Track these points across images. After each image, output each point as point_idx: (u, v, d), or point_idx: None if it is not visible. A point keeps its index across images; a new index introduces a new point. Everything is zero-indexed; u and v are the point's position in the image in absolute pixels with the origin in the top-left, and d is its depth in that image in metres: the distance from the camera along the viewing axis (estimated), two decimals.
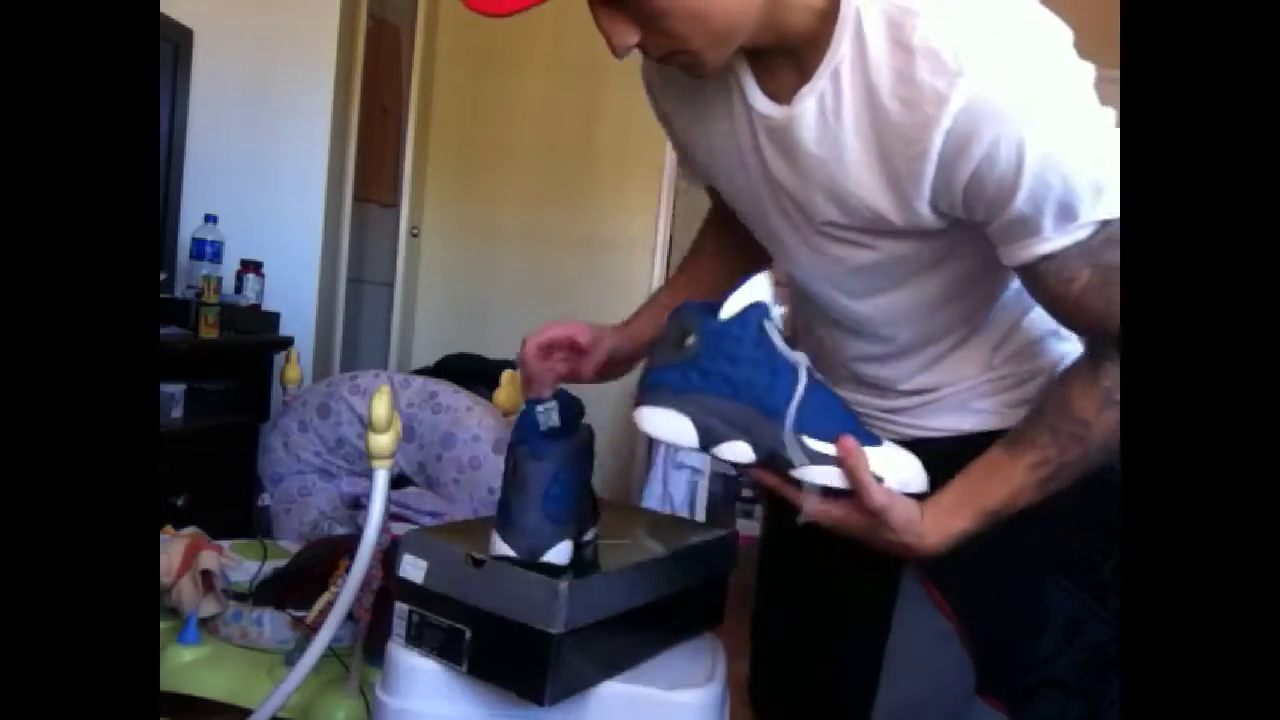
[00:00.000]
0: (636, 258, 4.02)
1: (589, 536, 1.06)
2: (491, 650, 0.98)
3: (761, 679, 1.23)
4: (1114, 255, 0.77)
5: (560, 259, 4.06)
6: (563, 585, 0.94)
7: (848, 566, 0.97)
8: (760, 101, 0.87)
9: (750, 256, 1.07)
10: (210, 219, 2.67)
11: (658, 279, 3.97)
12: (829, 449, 0.83)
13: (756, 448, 0.84)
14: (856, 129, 0.80)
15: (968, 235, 0.84)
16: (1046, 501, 0.90)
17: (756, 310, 0.83)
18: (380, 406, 1.21)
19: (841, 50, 0.79)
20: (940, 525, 0.85)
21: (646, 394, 0.85)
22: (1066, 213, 0.77)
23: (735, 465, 0.86)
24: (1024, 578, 1.03)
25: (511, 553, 0.95)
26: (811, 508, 0.86)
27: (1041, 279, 0.81)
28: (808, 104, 0.82)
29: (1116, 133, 0.77)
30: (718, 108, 0.91)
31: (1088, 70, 0.77)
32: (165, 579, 1.42)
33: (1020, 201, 0.76)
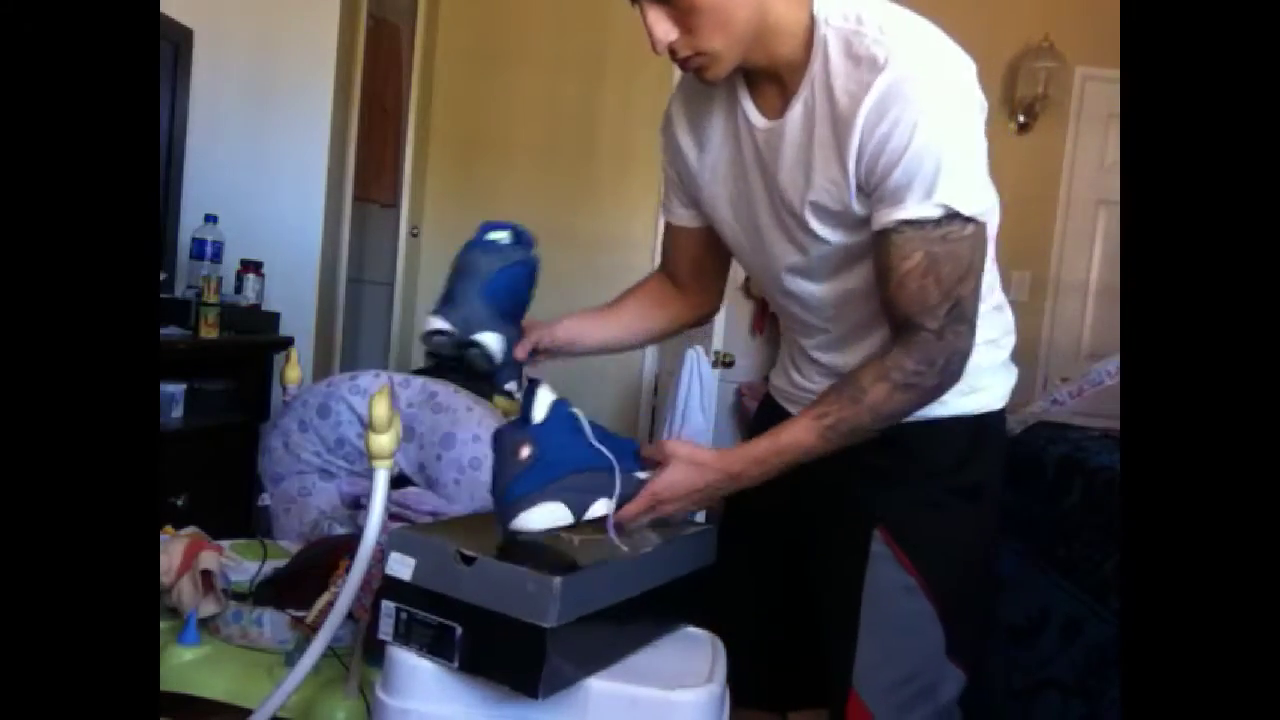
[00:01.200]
0: (636, 257, 4.02)
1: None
2: (483, 646, 0.98)
3: (726, 621, 1.28)
4: (942, 249, 1.00)
5: (560, 258, 4.05)
6: (556, 579, 0.94)
7: (818, 539, 1.21)
8: (756, 118, 1.10)
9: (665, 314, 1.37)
10: (210, 219, 2.67)
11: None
12: (645, 473, 1.08)
13: (610, 496, 1.05)
14: (825, 125, 1.03)
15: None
16: (988, 478, 1.20)
17: (560, 404, 1.05)
18: (380, 406, 1.21)
19: (814, 69, 1.03)
20: (739, 454, 1.08)
21: (516, 504, 1.01)
22: (927, 190, 0.98)
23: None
24: (970, 540, 1.20)
25: (447, 325, 1.18)
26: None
27: (886, 249, 1.02)
28: (794, 113, 1.05)
29: (984, 159, 1.02)
30: (724, 131, 1.15)
31: (980, 101, 1.02)
32: (165, 579, 1.42)
33: (900, 170, 0.98)
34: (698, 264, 1.32)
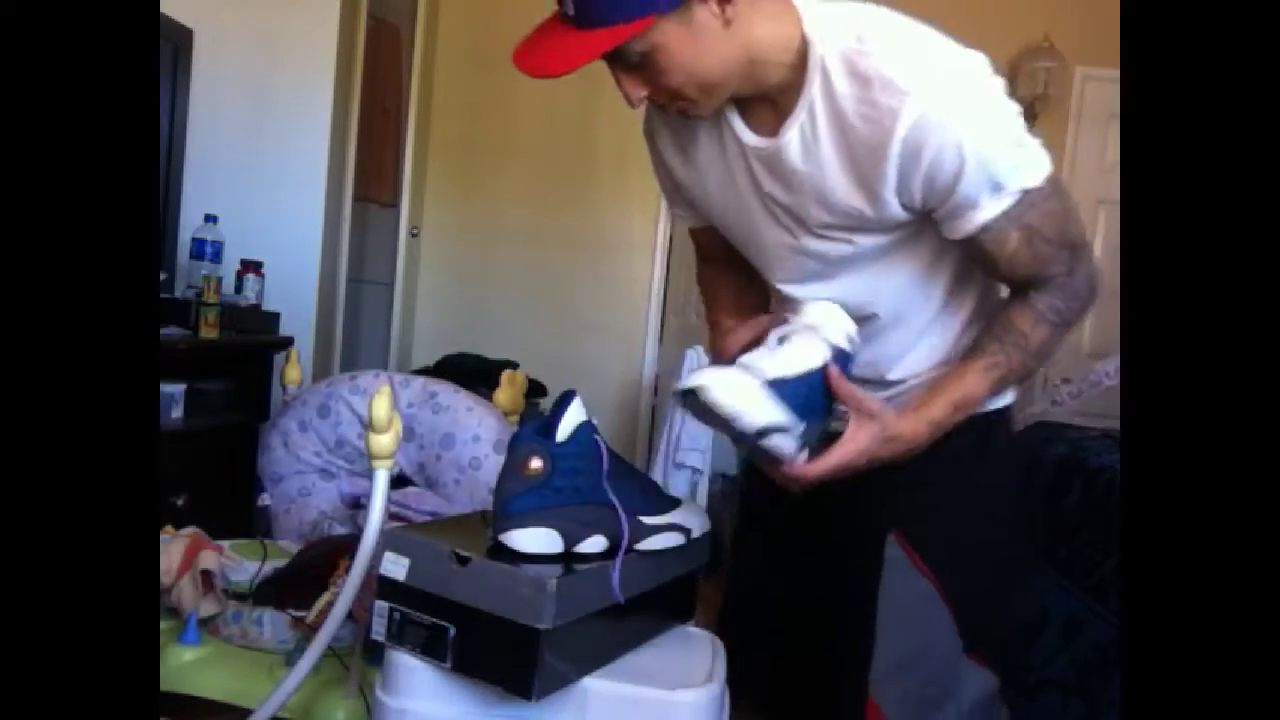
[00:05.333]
0: (636, 258, 4.02)
1: None
2: (477, 646, 0.98)
3: (750, 665, 1.25)
4: (1034, 217, 1.01)
5: (560, 259, 4.06)
6: (551, 581, 0.95)
7: (831, 549, 1.20)
8: (750, 137, 1.08)
9: (747, 278, 1.26)
10: (210, 219, 2.67)
11: (658, 279, 3.97)
12: (660, 520, 1.08)
13: (609, 536, 1.03)
14: (832, 146, 1.02)
15: (923, 229, 1.06)
16: (1001, 476, 1.21)
17: (586, 427, 1.03)
18: (380, 406, 1.21)
19: (813, 90, 1.01)
20: (920, 417, 1.06)
21: (512, 519, 1.00)
22: (995, 188, 0.99)
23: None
24: (985, 540, 1.19)
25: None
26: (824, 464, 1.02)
27: (982, 247, 1.04)
28: (792, 134, 1.04)
29: (1022, 127, 1.00)
30: (711, 149, 1.13)
31: (999, 81, 0.99)
32: (165, 579, 1.42)
33: (962, 187, 0.98)
34: (732, 249, 1.25)
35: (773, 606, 1.30)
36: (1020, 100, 3.33)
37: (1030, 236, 1.02)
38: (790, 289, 1.16)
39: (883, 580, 1.14)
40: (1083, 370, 2.04)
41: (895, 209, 1.02)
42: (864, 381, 1.11)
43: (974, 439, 1.14)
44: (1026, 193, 1.00)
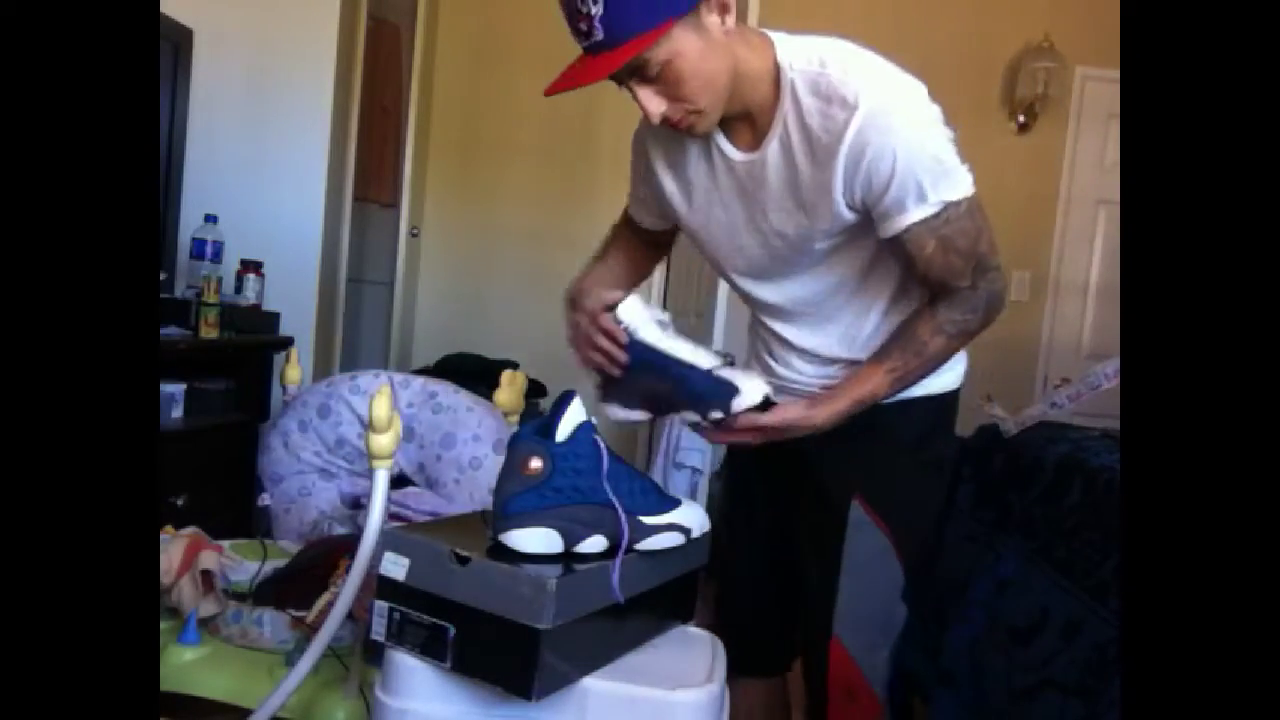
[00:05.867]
0: None
1: None
2: (476, 646, 0.98)
3: (731, 601, 1.53)
4: (950, 229, 1.18)
5: (560, 259, 4.04)
6: (551, 580, 0.95)
7: (803, 516, 1.40)
8: (732, 151, 1.25)
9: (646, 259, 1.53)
10: (210, 219, 2.67)
11: (658, 279, 3.97)
12: (659, 520, 1.11)
13: (609, 536, 1.05)
14: (804, 156, 1.18)
15: (861, 236, 1.24)
16: (947, 449, 1.47)
17: (586, 427, 1.05)
18: (380, 406, 1.21)
19: (785, 107, 1.18)
20: (828, 408, 1.24)
21: (511, 519, 1.02)
22: (920, 196, 1.15)
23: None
24: (931, 505, 1.45)
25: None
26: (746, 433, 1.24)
27: (904, 247, 1.20)
28: (772, 148, 1.20)
29: (953, 147, 1.17)
30: (701, 165, 1.29)
31: (936, 108, 1.16)
32: (165, 579, 1.42)
33: (893, 190, 1.15)
34: (664, 239, 1.50)
35: (749, 574, 1.50)
36: (1020, 100, 3.34)
37: (944, 246, 1.19)
38: (746, 284, 1.35)
39: (847, 537, 1.34)
40: (1081, 371, 2.04)
41: (843, 208, 1.19)
42: (815, 356, 1.35)
43: (929, 418, 1.36)
44: (947, 206, 1.17)
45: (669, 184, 1.34)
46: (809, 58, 1.17)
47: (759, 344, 1.44)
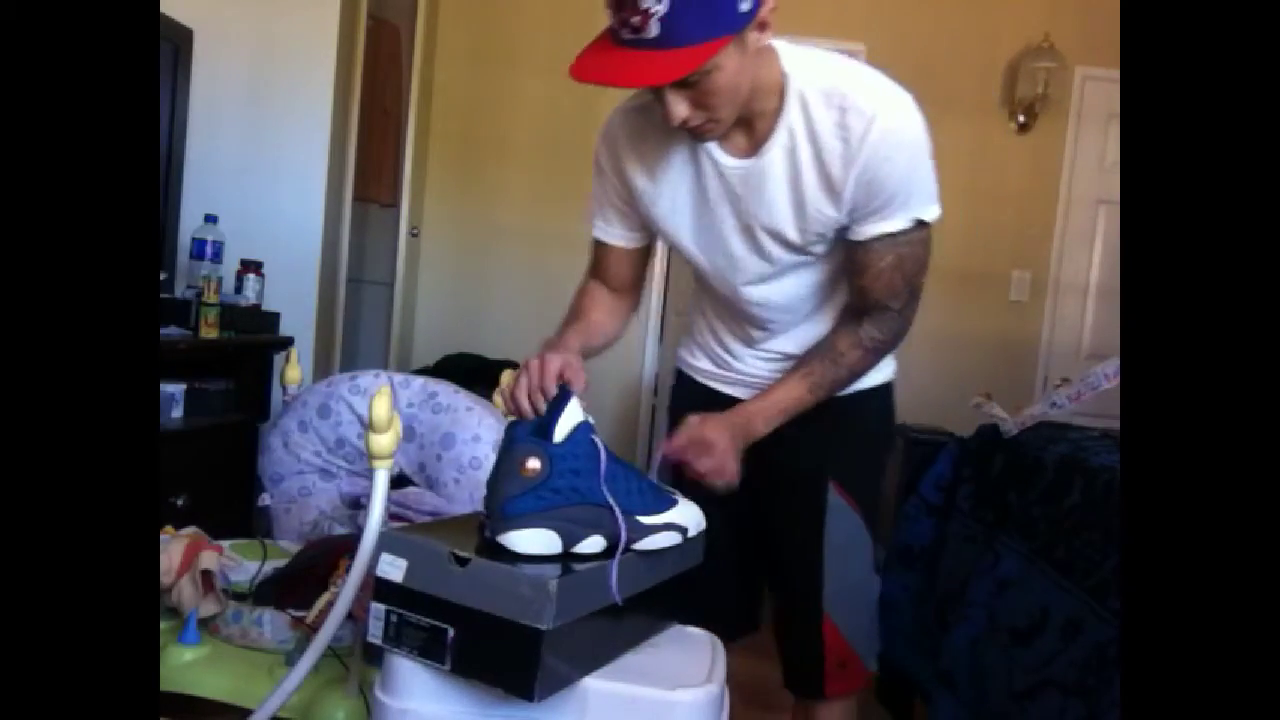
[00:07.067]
0: None
1: None
2: (476, 648, 0.98)
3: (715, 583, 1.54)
4: (908, 251, 1.28)
5: (560, 259, 4.05)
6: (552, 581, 0.94)
7: (777, 501, 1.49)
8: (723, 157, 1.27)
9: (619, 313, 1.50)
10: (210, 219, 2.67)
11: (656, 278, 3.97)
12: (657, 519, 1.11)
13: (607, 536, 1.05)
14: (810, 162, 1.23)
15: (832, 250, 1.32)
16: (889, 428, 1.55)
17: (584, 427, 1.04)
18: (380, 406, 1.21)
19: (791, 116, 1.22)
20: (760, 419, 1.34)
21: (510, 521, 1.01)
22: (904, 206, 1.24)
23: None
24: (880, 470, 1.55)
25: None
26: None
27: (869, 252, 1.28)
28: (774, 154, 1.25)
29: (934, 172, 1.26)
30: (685, 171, 1.31)
31: (924, 123, 1.23)
32: (165, 579, 1.42)
33: (884, 197, 1.23)
34: (635, 277, 1.48)
35: (723, 536, 1.53)
36: (1020, 100, 3.36)
37: (898, 263, 1.29)
38: (727, 284, 1.39)
39: (826, 523, 1.44)
40: (1081, 371, 2.04)
41: (841, 212, 1.25)
42: (776, 354, 1.44)
43: (882, 405, 1.51)
44: (917, 225, 1.26)
45: (649, 192, 1.35)
46: (821, 72, 1.22)
47: (712, 340, 1.52)
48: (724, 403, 1.45)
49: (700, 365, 1.57)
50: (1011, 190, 3.86)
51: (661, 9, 1.04)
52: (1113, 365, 1.88)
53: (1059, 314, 3.97)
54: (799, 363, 1.37)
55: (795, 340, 1.43)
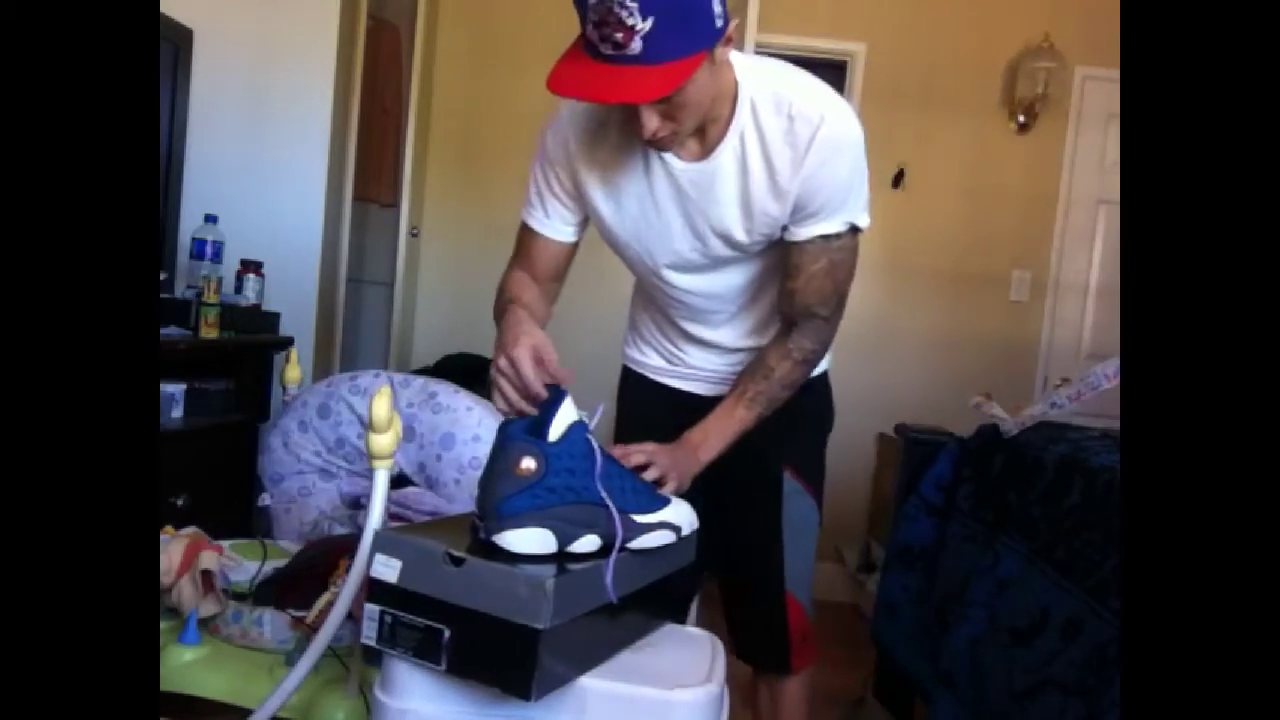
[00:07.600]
0: None
1: None
2: (472, 648, 0.98)
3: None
4: (839, 257, 1.35)
5: None
6: (549, 580, 0.94)
7: (736, 490, 1.54)
8: (675, 161, 1.32)
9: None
10: (210, 219, 2.67)
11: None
12: (651, 518, 1.12)
13: (602, 536, 1.05)
14: (759, 164, 1.29)
15: (767, 249, 1.38)
16: (828, 411, 1.66)
17: (579, 427, 1.05)
18: (380, 406, 1.21)
19: (742, 120, 1.28)
20: (706, 450, 1.38)
21: (505, 520, 1.00)
22: (840, 209, 1.31)
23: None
24: (823, 462, 1.65)
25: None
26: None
27: (803, 253, 1.34)
28: (725, 157, 1.30)
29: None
30: (634, 172, 1.35)
31: (863, 133, 1.30)
32: (165, 579, 1.42)
33: (826, 199, 1.30)
34: (560, 270, 1.51)
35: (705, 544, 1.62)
36: (1020, 100, 3.36)
37: (830, 268, 1.35)
38: (671, 278, 1.45)
39: (784, 507, 1.54)
40: (1081, 371, 2.04)
41: (785, 212, 1.31)
42: (720, 348, 1.53)
43: (822, 388, 1.60)
44: (850, 230, 1.33)
45: (595, 189, 1.38)
46: (770, 81, 1.28)
47: (660, 337, 1.61)
48: (678, 398, 1.59)
49: (650, 362, 1.66)
50: (1011, 190, 3.86)
51: (646, 27, 1.06)
52: (1113, 365, 1.88)
53: (1059, 314, 3.97)
54: (734, 385, 1.43)
55: (734, 332, 1.52)
